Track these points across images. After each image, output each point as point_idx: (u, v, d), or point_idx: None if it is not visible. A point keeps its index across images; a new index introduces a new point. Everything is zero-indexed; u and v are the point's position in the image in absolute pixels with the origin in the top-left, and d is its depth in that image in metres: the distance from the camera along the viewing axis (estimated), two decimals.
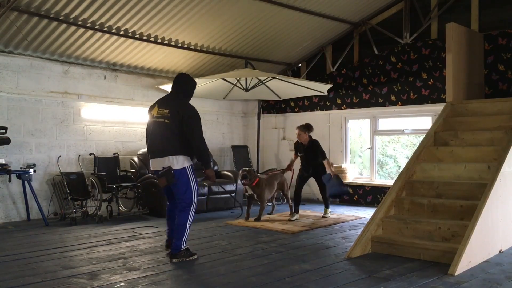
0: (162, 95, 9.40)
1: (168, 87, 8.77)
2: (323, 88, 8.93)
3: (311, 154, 7.89)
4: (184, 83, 5.22)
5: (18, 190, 7.48)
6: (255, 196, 7.62)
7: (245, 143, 11.25)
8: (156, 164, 5.03)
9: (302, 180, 8.07)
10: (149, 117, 5.20)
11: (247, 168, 7.74)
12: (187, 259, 5.01)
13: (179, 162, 4.93)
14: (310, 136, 7.95)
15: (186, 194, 5.00)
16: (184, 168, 4.96)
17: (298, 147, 8.09)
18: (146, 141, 5.31)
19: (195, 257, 5.10)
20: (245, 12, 8.22)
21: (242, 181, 7.61)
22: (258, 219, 7.60)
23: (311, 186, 10.34)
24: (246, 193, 7.80)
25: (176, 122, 4.91)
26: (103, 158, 8.19)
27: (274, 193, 8.19)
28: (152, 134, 5.09)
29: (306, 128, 7.92)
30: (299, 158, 8.14)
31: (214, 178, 5.30)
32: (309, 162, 7.94)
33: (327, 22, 9.32)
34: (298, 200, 7.95)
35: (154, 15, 7.58)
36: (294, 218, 7.71)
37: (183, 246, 5.03)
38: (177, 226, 5.04)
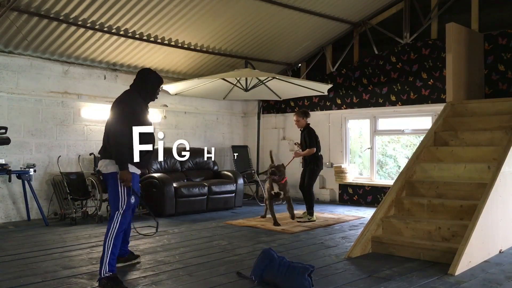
0: (162, 94, 9.39)
1: (168, 87, 8.79)
2: (323, 88, 8.93)
3: (303, 140, 7.73)
4: (141, 79, 4.54)
5: (18, 190, 7.48)
6: (282, 194, 7.34)
7: (245, 143, 11.25)
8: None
9: (303, 173, 7.80)
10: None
11: (275, 164, 7.46)
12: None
13: (107, 166, 4.31)
14: (308, 124, 7.82)
15: (114, 201, 4.30)
16: (112, 173, 4.27)
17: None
18: None
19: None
20: (245, 12, 8.22)
21: (272, 177, 7.29)
22: (294, 216, 7.38)
23: None
24: (272, 191, 7.39)
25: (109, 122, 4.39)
26: None
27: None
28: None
29: (304, 114, 7.81)
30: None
31: (128, 183, 4.23)
32: (303, 150, 7.73)
33: (327, 22, 9.32)
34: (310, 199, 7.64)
35: (154, 15, 7.58)
36: (307, 219, 7.49)
37: (105, 272, 4.13)
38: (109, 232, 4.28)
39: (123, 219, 4.27)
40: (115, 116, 4.30)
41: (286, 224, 7.25)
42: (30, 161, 7.58)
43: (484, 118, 6.79)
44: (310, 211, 7.59)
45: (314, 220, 7.51)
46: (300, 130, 7.88)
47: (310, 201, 7.61)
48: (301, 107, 10.65)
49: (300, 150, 7.77)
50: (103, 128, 4.51)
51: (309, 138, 7.62)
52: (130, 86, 4.60)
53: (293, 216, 7.44)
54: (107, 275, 4.09)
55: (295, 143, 8.23)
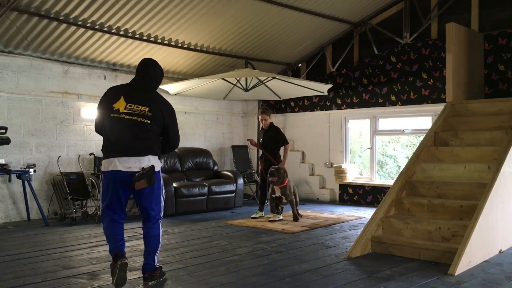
0: (162, 94, 9.47)
1: (168, 87, 8.78)
2: (323, 88, 8.93)
3: (266, 139, 7.76)
4: (155, 71, 4.34)
5: (18, 190, 7.49)
6: (284, 198, 7.35)
7: (245, 143, 11.23)
8: (129, 164, 4.03)
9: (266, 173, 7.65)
10: (108, 110, 4.13)
11: (275, 167, 7.37)
12: (161, 279, 4.31)
13: (157, 163, 4.17)
14: (271, 122, 7.89)
15: (158, 202, 4.25)
16: (159, 171, 4.23)
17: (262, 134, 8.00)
18: (102, 135, 4.27)
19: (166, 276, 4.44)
20: (245, 12, 8.22)
21: (270, 179, 7.24)
22: (296, 219, 7.46)
23: (311, 185, 10.37)
24: (273, 195, 7.38)
25: (159, 124, 4.15)
26: None
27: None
28: (121, 131, 4.08)
29: (270, 112, 7.89)
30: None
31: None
32: (265, 149, 7.78)
33: (327, 22, 9.32)
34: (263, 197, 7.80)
35: (154, 15, 7.58)
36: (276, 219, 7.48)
37: (157, 263, 4.34)
38: (151, 239, 4.25)
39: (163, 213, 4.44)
40: (174, 121, 4.29)
41: (286, 224, 7.26)
42: (30, 161, 7.59)
43: (484, 118, 6.79)
44: (276, 210, 7.57)
45: (282, 219, 7.49)
46: (263, 128, 7.91)
47: (263, 198, 7.85)
48: (301, 107, 10.65)
49: (257, 148, 7.91)
50: None
51: (282, 136, 7.73)
52: (149, 83, 4.31)
53: (295, 218, 7.51)
54: (159, 265, 4.37)
55: (247, 139, 8.29)
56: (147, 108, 4.10)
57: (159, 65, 4.43)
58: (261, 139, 8.12)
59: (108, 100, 4.20)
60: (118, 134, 4.09)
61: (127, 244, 5.79)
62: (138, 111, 4.08)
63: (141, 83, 4.29)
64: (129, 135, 4.06)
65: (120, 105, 4.10)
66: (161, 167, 4.34)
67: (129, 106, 4.09)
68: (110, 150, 4.13)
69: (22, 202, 7.51)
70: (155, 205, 4.23)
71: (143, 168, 4.02)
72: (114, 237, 4.17)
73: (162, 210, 4.33)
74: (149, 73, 4.31)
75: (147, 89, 4.27)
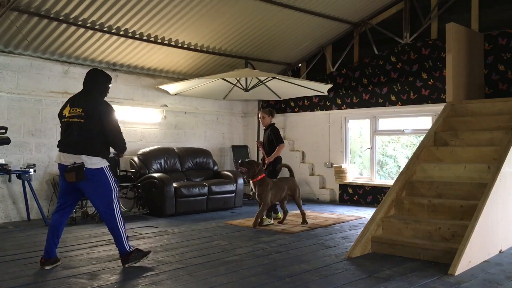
0: (162, 94, 9.52)
1: (168, 87, 8.80)
2: (323, 88, 8.94)
3: (266, 139, 7.60)
4: (96, 80, 4.89)
5: (18, 190, 7.49)
6: (256, 196, 6.97)
7: (245, 143, 11.25)
8: (66, 158, 4.67)
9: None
10: (61, 115, 4.84)
11: (248, 159, 7.15)
12: (141, 259, 4.79)
13: (93, 162, 4.64)
14: (273, 123, 7.68)
15: (106, 197, 4.71)
16: (101, 168, 4.70)
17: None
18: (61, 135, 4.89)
19: (150, 254, 4.90)
20: (245, 12, 8.22)
21: (239, 169, 7.01)
22: (254, 223, 6.96)
23: (311, 185, 10.37)
24: (251, 192, 7.10)
25: (93, 122, 4.64)
26: None
27: (284, 199, 7.28)
28: (67, 132, 4.74)
29: (270, 112, 7.72)
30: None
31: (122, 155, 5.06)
32: (264, 149, 7.63)
33: (327, 22, 9.32)
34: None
35: (154, 15, 7.58)
36: (266, 223, 7.15)
37: (129, 248, 4.78)
38: (110, 230, 4.79)
39: (119, 205, 4.81)
40: (112, 116, 4.75)
41: (286, 224, 7.26)
42: (30, 161, 7.58)
43: (484, 118, 6.79)
44: (267, 214, 7.32)
45: (272, 223, 7.22)
46: (264, 128, 7.80)
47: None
48: (301, 107, 10.66)
49: (262, 149, 7.69)
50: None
51: (276, 135, 7.47)
52: (91, 89, 4.86)
53: (254, 224, 6.97)
54: (132, 249, 4.81)
55: (257, 141, 8.13)
56: (81, 108, 4.70)
57: (102, 72, 5.00)
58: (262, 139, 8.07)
59: (61, 108, 4.92)
60: (66, 134, 4.79)
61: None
62: (75, 113, 4.69)
63: (83, 91, 4.92)
64: (72, 135, 4.72)
65: (66, 110, 4.78)
66: (107, 166, 4.77)
67: (71, 109, 4.73)
68: (61, 144, 4.83)
69: (22, 202, 7.51)
70: (101, 197, 4.75)
71: (74, 162, 4.62)
72: (50, 234, 4.91)
73: (112, 200, 4.74)
74: (90, 81, 4.91)
75: (87, 95, 4.85)
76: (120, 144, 4.82)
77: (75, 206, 5.36)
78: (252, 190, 7.07)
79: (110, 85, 5.03)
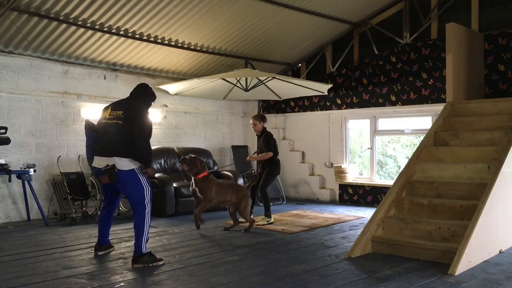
0: (162, 94, 9.51)
1: (168, 87, 8.80)
2: (323, 88, 8.93)
3: (261, 145, 7.57)
4: (142, 91, 5.20)
5: (18, 190, 7.48)
6: (197, 191, 6.56)
7: (245, 143, 11.25)
8: (100, 161, 4.91)
9: (260, 176, 7.56)
10: (101, 117, 5.11)
11: (193, 155, 6.71)
12: (150, 264, 4.78)
13: (124, 164, 4.81)
14: (265, 128, 7.65)
15: (138, 194, 4.87)
16: (132, 170, 4.86)
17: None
18: (87, 141, 5.20)
19: (160, 263, 4.84)
20: (245, 12, 8.22)
21: (181, 167, 6.80)
22: (197, 224, 6.63)
23: (311, 185, 10.37)
24: (191, 188, 6.72)
25: (130, 123, 4.83)
26: None
27: (229, 204, 6.94)
28: (104, 134, 4.97)
29: (261, 118, 7.68)
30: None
31: (152, 175, 5.15)
32: (259, 154, 7.63)
33: (327, 22, 9.32)
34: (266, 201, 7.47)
35: (154, 15, 7.58)
36: (265, 223, 7.23)
37: (144, 250, 4.85)
38: (134, 227, 4.92)
39: (151, 205, 4.93)
40: (143, 120, 4.90)
41: (286, 224, 7.26)
42: (30, 161, 7.58)
43: (484, 118, 6.79)
44: (267, 213, 7.37)
45: (272, 222, 7.30)
46: (257, 134, 7.75)
47: (265, 203, 7.46)
48: (301, 107, 10.66)
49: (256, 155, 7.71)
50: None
51: (267, 143, 7.46)
52: (135, 97, 5.16)
53: (198, 225, 6.69)
54: (147, 251, 4.84)
55: (254, 152, 7.99)
56: (121, 111, 4.93)
57: (149, 87, 5.27)
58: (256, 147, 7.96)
59: (103, 110, 5.20)
60: (102, 136, 5.06)
61: (127, 244, 5.83)
62: (115, 115, 4.93)
63: (127, 97, 5.23)
64: (108, 137, 4.98)
65: (107, 113, 5.06)
66: (138, 167, 4.92)
67: (112, 112, 4.97)
68: (96, 149, 5.07)
69: (22, 202, 7.51)
70: (135, 197, 4.90)
71: (107, 165, 4.80)
72: (100, 226, 5.34)
73: (144, 200, 4.87)
74: (137, 91, 5.23)
75: (130, 101, 5.13)
76: (142, 149, 4.80)
77: (120, 201, 5.65)
78: (192, 186, 6.67)
79: (152, 103, 5.29)
